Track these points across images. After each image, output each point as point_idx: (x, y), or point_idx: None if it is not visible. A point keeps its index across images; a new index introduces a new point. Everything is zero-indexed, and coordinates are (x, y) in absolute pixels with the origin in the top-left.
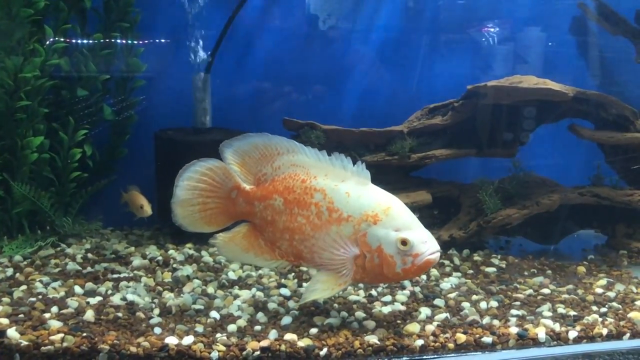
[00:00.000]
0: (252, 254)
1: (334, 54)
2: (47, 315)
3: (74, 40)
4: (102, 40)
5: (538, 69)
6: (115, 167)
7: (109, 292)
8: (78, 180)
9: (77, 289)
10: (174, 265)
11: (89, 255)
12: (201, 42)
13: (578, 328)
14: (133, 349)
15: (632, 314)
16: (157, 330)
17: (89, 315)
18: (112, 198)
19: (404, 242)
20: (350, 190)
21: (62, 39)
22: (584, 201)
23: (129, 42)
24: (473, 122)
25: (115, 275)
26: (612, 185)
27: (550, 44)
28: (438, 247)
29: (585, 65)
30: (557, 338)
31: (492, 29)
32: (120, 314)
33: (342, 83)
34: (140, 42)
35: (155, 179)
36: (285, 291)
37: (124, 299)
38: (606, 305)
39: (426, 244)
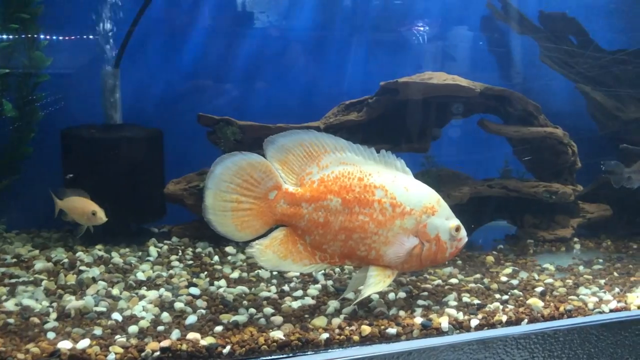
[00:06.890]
0: (290, 260)
1: (253, 49)
2: None
3: None
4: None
5: (465, 67)
6: (19, 166)
7: (3, 297)
8: None
9: None
10: (81, 268)
11: None
12: (111, 36)
13: (480, 316)
14: (20, 356)
15: (531, 300)
16: (51, 335)
17: None
18: (17, 199)
19: (458, 229)
20: (407, 184)
21: None
22: (493, 193)
23: (30, 35)
24: (387, 118)
25: (13, 280)
26: (519, 177)
27: (481, 42)
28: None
29: (496, 63)
30: (459, 327)
31: (421, 28)
32: (11, 320)
33: (260, 79)
34: (44, 35)
35: (62, 179)
36: (194, 290)
37: (18, 304)
38: (508, 293)
39: (462, 228)
